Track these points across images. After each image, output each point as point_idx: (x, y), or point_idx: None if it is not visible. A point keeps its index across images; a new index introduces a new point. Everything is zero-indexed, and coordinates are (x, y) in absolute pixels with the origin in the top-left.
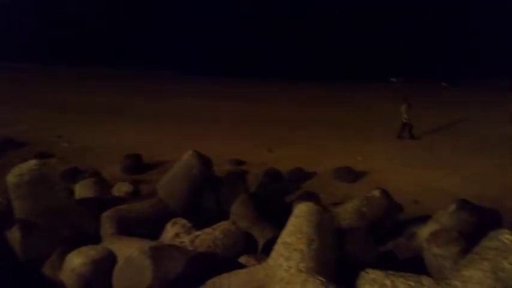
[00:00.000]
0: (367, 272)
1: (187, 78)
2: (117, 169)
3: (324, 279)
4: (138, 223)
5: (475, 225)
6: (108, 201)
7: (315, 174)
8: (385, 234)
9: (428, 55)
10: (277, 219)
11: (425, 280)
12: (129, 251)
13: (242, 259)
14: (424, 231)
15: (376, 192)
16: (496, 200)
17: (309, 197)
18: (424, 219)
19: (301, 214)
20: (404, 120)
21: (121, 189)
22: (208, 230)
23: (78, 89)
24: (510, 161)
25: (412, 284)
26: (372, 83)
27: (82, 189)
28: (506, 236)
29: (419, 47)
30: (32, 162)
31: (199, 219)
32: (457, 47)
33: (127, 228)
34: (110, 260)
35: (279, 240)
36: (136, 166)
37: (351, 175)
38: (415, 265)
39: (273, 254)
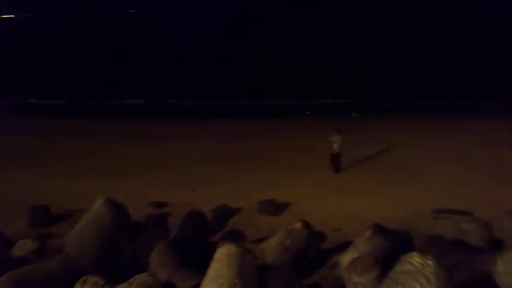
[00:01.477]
0: None
1: (101, 116)
2: (21, 224)
3: None
4: (41, 286)
5: (390, 249)
6: (6, 264)
7: (241, 210)
8: (309, 265)
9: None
10: (203, 263)
11: None
12: None
13: None
14: (345, 260)
15: (298, 225)
16: (407, 223)
17: (234, 235)
18: (345, 246)
19: (221, 258)
20: (336, 151)
21: (23, 247)
22: (123, 285)
23: None
24: (420, 186)
25: None
26: (294, 116)
27: None
28: (417, 259)
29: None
30: None
31: (115, 272)
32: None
33: None
34: None
35: None
36: (44, 219)
37: (275, 208)
38: None
39: None
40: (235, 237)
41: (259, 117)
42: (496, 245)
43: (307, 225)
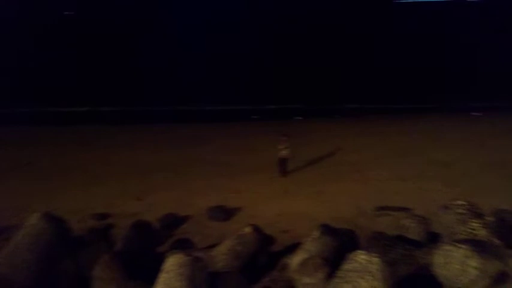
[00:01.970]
0: None
1: (37, 126)
2: None
3: None
4: None
5: (337, 248)
6: None
7: (189, 217)
8: (260, 269)
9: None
10: (151, 274)
11: None
12: None
13: None
14: (295, 261)
15: (248, 229)
16: (352, 221)
17: (182, 244)
18: (294, 247)
19: (171, 268)
20: (283, 156)
21: None
22: None
23: None
24: (363, 185)
25: None
26: (241, 121)
27: None
28: (362, 257)
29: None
30: None
31: None
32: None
33: None
34: None
35: None
36: None
37: (224, 213)
38: None
39: None
40: (184, 245)
41: (204, 123)
42: (433, 239)
43: (256, 229)
